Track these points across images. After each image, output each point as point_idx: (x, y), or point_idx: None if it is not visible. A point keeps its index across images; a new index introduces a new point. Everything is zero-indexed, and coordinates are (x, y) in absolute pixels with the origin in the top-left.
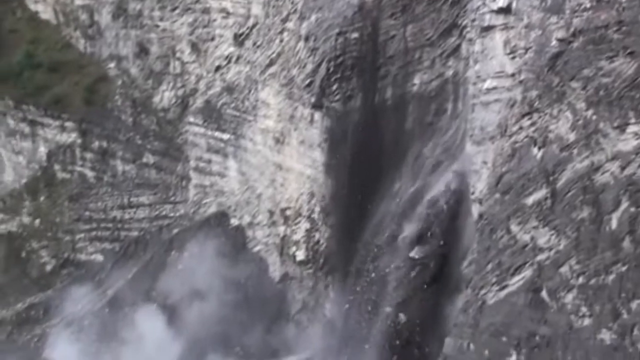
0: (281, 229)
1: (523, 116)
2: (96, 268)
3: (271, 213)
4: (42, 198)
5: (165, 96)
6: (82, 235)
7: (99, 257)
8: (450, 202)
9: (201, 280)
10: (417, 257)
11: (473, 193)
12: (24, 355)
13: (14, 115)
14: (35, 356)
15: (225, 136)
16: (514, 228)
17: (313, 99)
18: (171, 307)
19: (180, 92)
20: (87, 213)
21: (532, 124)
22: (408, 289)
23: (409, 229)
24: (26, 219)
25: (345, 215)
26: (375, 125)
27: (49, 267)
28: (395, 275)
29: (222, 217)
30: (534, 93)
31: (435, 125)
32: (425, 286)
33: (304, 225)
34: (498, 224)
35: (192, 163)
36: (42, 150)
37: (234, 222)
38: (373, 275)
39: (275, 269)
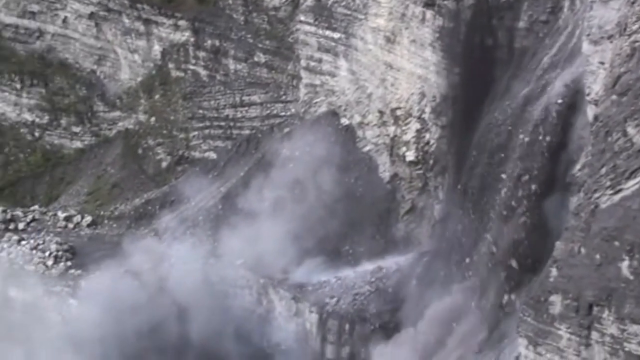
0: (391, 129)
1: None
2: (210, 165)
3: (381, 113)
4: (157, 96)
5: None
6: (196, 133)
7: (212, 155)
8: (565, 104)
9: (311, 179)
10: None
11: (589, 94)
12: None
13: (129, 14)
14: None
15: (336, 35)
16: (631, 131)
17: None
18: (282, 204)
19: None
20: (200, 111)
21: None
22: (518, 193)
23: (521, 133)
24: (142, 117)
25: (456, 116)
26: (488, 24)
27: (164, 164)
28: (506, 180)
29: (332, 116)
30: None
31: (551, 24)
32: (536, 190)
33: (415, 125)
34: (614, 126)
35: (303, 62)
36: (157, 48)
37: (344, 121)
38: (483, 179)
39: (384, 169)
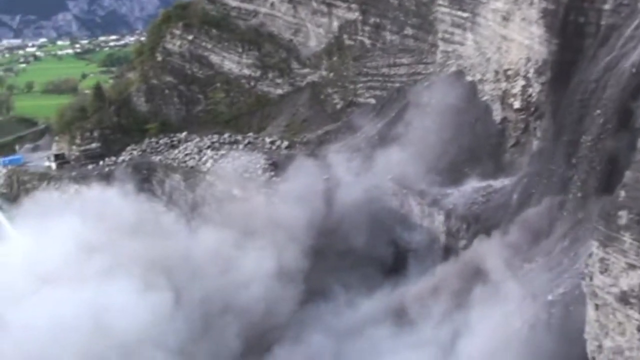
0: (503, 85)
1: None
2: (370, 108)
3: (496, 72)
4: (334, 58)
5: None
6: (361, 84)
7: (372, 100)
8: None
9: (443, 119)
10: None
11: None
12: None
13: (317, 0)
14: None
15: (465, 14)
16: None
17: None
18: (421, 137)
19: None
20: (364, 69)
21: None
22: (599, 133)
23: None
24: (324, 73)
25: (553, 75)
26: (581, 6)
27: (338, 106)
28: (591, 123)
29: (459, 75)
30: None
31: (631, 7)
32: (612, 132)
33: (521, 82)
34: None
35: (440, 34)
36: (335, 24)
37: (469, 78)
38: (574, 121)
39: (497, 114)
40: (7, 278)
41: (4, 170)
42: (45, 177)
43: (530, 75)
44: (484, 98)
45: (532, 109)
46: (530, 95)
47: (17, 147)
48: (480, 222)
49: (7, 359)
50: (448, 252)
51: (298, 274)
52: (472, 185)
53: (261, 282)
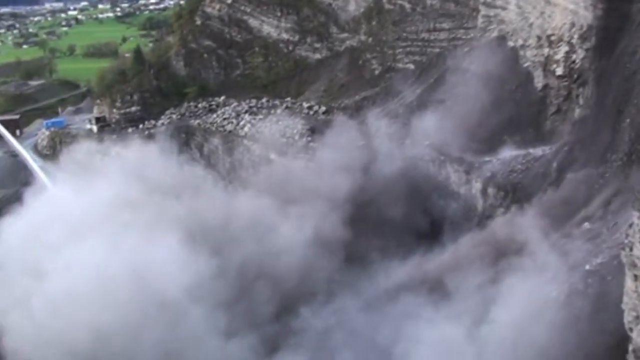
0: (545, 50)
1: None
2: (409, 73)
3: (539, 38)
4: (373, 23)
5: None
6: (400, 50)
7: (411, 66)
8: None
9: (483, 86)
10: None
11: None
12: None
13: None
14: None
15: None
16: None
17: None
18: (461, 103)
19: None
20: (404, 34)
21: None
22: None
23: None
24: (363, 37)
25: (598, 42)
26: None
27: (377, 71)
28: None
29: (501, 40)
30: None
31: None
32: None
33: (564, 48)
34: None
35: None
36: None
37: (510, 44)
38: (619, 88)
39: (538, 81)
40: (44, 228)
41: (47, 133)
42: (86, 139)
43: (574, 41)
44: (526, 64)
45: (575, 75)
46: (573, 62)
47: (59, 109)
48: (518, 190)
49: (46, 308)
50: (485, 220)
51: (335, 241)
52: (511, 153)
53: (298, 249)
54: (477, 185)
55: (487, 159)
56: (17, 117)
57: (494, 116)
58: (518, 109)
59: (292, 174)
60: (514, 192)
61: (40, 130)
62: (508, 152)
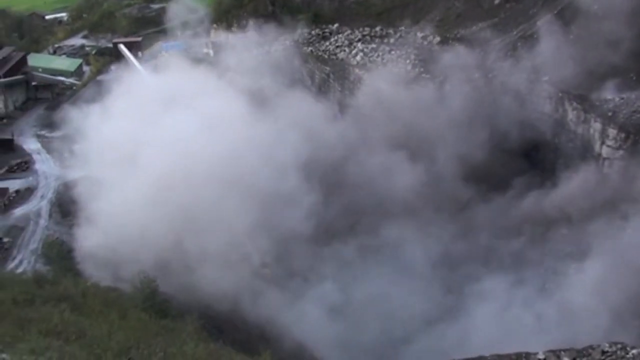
0: None
1: None
2: (530, 4)
3: None
4: None
5: None
6: None
7: None
8: None
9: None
10: None
11: None
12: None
13: None
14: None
15: None
16: None
17: None
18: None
19: None
20: None
21: None
22: None
23: None
24: None
25: None
26: None
27: (496, 1)
28: None
29: None
30: None
31: None
32: None
33: None
34: None
35: None
36: None
37: None
38: None
39: None
40: (138, 102)
41: (166, 55)
42: (203, 62)
43: None
44: None
45: None
46: None
47: (178, 33)
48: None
49: (145, 172)
50: (601, 162)
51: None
52: (637, 92)
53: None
54: (595, 125)
55: (609, 97)
56: (139, 39)
57: (620, 53)
58: None
59: (404, 106)
60: (637, 134)
61: (160, 53)
62: (633, 92)
